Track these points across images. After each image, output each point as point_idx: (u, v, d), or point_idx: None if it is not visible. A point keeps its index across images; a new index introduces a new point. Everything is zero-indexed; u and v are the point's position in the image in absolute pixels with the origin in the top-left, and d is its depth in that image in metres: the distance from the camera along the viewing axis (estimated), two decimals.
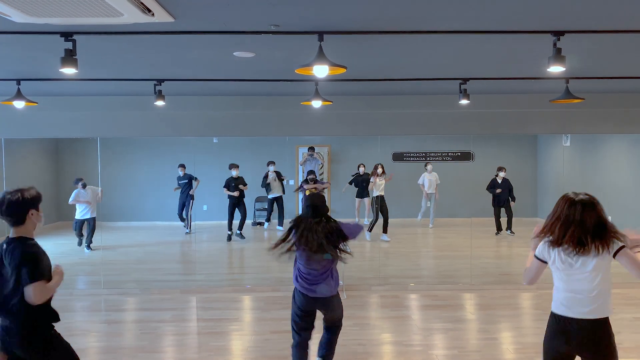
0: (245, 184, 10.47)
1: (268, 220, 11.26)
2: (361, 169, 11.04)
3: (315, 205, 4.10)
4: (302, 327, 4.20)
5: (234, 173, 10.43)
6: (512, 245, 10.50)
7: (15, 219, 2.93)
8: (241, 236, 10.37)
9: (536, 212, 11.83)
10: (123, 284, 7.72)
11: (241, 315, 6.64)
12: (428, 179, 11.43)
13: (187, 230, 10.93)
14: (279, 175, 10.78)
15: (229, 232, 10.31)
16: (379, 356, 5.16)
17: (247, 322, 6.31)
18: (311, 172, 9.65)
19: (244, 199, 10.53)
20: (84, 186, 9.32)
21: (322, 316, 4.32)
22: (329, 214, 4.19)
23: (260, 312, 6.57)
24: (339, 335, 4.43)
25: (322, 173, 11.89)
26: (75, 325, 6.17)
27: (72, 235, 9.52)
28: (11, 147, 8.56)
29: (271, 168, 10.70)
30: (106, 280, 7.79)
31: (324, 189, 9.31)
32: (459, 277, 7.96)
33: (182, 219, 11.04)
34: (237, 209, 10.43)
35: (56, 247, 9.57)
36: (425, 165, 11.35)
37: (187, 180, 10.93)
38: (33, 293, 2.88)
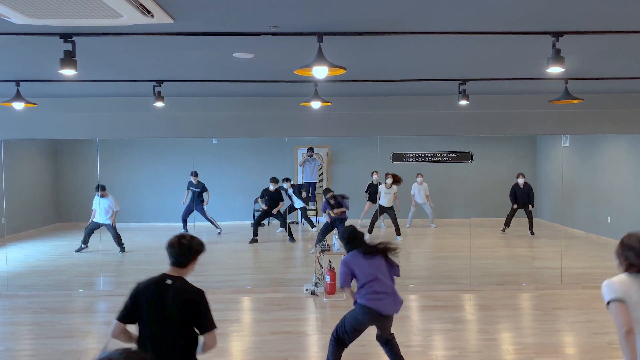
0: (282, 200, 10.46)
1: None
2: (374, 177, 11.09)
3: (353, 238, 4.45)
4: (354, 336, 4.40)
5: (272, 187, 10.37)
6: (512, 245, 10.50)
7: (182, 260, 3.02)
8: (292, 239, 10.33)
9: (535, 212, 11.84)
10: (122, 285, 7.70)
11: (241, 316, 6.63)
12: (418, 190, 11.45)
13: (219, 231, 10.89)
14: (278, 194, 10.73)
15: (255, 237, 10.27)
16: (379, 357, 5.15)
17: (246, 323, 6.31)
18: (328, 190, 9.45)
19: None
20: (101, 196, 9.27)
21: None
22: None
23: (260, 313, 6.57)
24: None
25: (321, 174, 11.90)
26: (74, 327, 6.17)
27: (70, 237, 9.51)
28: (10, 149, 8.56)
29: (271, 187, 10.60)
30: (105, 282, 7.78)
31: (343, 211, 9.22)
32: (458, 278, 7.96)
33: (186, 224, 10.90)
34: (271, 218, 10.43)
35: (55, 248, 9.57)
36: (417, 177, 11.36)
37: (199, 190, 10.80)
38: (214, 340, 2.91)
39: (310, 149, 11.32)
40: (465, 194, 10.56)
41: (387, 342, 4.56)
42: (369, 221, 10.67)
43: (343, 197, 9.15)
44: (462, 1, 3.21)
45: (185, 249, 3.01)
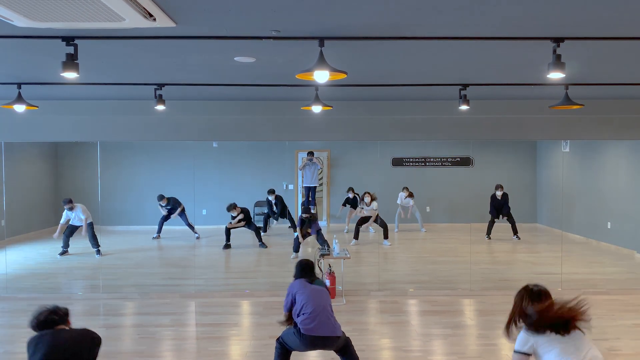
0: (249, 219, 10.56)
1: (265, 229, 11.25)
2: (350, 194, 11.21)
3: (308, 267, 4.66)
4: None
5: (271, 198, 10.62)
6: (512, 251, 10.49)
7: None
8: (263, 245, 10.38)
9: (535, 218, 11.84)
10: (122, 288, 7.70)
11: (240, 320, 6.62)
12: (402, 200, 11.43)
13: (197, 235, 10.90)
14: (281, 201, 10.82)
15: (227, 242, 10.30)
16: None
17: (246, 327, 6.30)
18: (307, 209, 9.58)
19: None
20: (70, 209, 9.25)
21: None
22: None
23: (259, 317, 6.56)
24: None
25: (321, 178, 11.89)
26: None
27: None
28: (11, 151, 8.57)
29: (271, 197, 10.73)
30: (105, 285, 7.77)
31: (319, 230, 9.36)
32: (458, 283, 7.95)
33: (160, 229, 10.92)
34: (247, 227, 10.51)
35: (54, 250, 9.56)
36: (402, 190, 11.36)
37: (171, 206, 10.87)
38: None
39: (311, 153, 11.32)
40: (465, 199, 10.56)
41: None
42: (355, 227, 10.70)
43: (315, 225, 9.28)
44: (462, 6, 3.22)
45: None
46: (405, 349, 5.44)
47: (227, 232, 10.28)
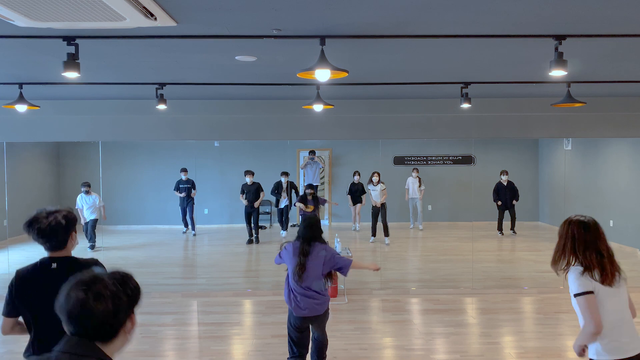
0: (261, 190, 10.54)
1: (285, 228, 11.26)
2: (356, 177, 11.14)
3: (311, 225, 4.40)
4: (297, 344, 4.35)
5: (248, 180, 10.46)
6: (514, 249, 10.49)
7: (56, 243, 2.65)
8: (250, 241, 10.48)
9: (537, 216, 11.83)
10: None
11: (242, 319, 6.63)
12: (412, 183, 11.48)
13: (194, 232, 11.00)
14: (293, 186, 10.83)
15: (251, 237, 10.44)
16: None
17: (248, 326, 6.30)
18: (309, 186, 9.70)
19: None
20: (87, 192, 9.48)
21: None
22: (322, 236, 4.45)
23: (261, 316, 6.57)
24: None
25: (323, 177, 11.89)
26: None
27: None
28: (13, 151, 8.58)
29: (283, 179, 10.71)
30: None
31: (324, 203, 9.50)
32: (460, 281, 7.94)
33: (186, 224, 11.09)
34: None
35: None
36: (412, 171, 11.41)
37: (189, 185, 10.96)
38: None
39: (312, 152, 11.31)
40: (467, 197, 10.54)
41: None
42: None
43: (321, 199, 9.48)
44: (464, 4, 3.21)
45: (59, 228, 2.60)
46: (408, 347, 5.44)
47: (249, 229, 10.37)
